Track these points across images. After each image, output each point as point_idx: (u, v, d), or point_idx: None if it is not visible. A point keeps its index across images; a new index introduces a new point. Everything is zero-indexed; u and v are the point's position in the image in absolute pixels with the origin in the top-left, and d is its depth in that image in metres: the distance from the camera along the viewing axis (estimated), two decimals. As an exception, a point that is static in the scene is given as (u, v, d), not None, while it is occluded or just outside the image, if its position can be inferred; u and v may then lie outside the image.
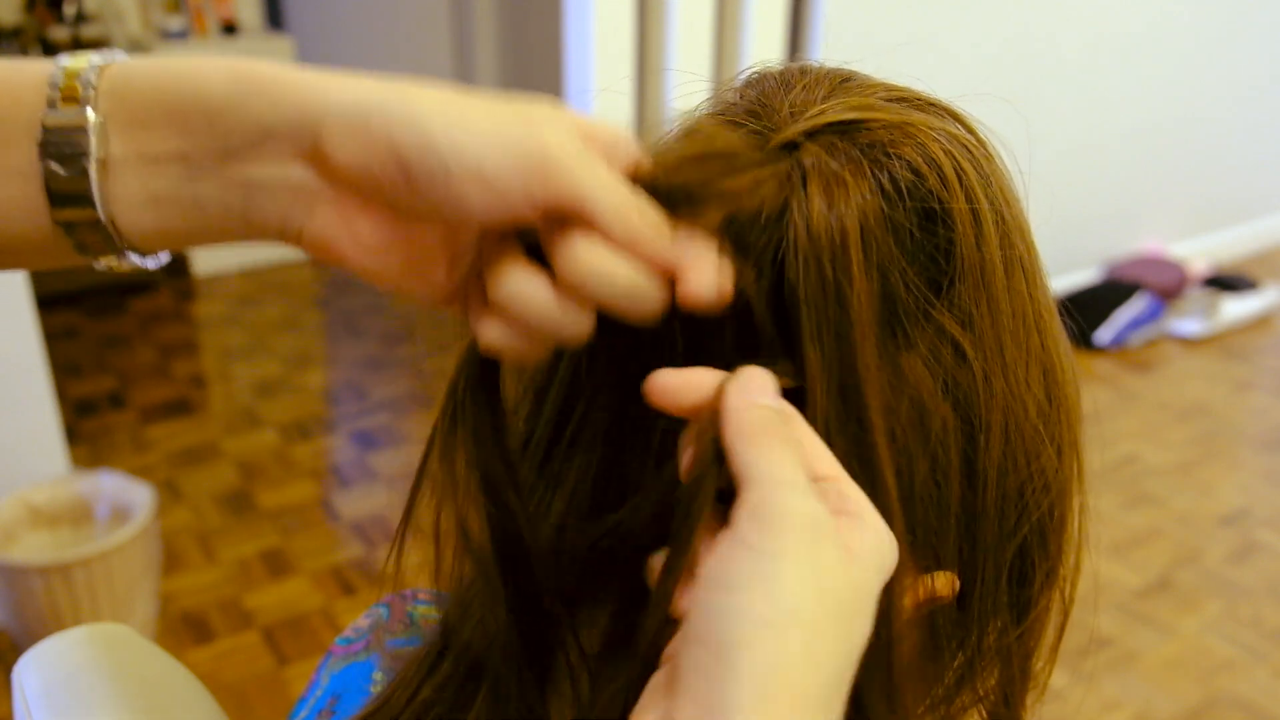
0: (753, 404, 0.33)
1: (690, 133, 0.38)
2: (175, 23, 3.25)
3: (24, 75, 0.34)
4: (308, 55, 4.18)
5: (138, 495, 1.80)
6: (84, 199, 0.34)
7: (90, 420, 2.56)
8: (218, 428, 2.57)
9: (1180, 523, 2.28)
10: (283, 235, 0.35)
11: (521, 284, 0.34)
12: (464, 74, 4.30)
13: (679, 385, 0.34)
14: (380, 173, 0.33)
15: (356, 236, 0.35)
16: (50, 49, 3.09)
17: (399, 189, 0.33)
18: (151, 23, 3.30)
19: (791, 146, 0.37)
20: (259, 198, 0.34)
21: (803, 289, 0.36)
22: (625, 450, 0.40)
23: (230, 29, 3.34)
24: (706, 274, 0.34)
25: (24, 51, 3.05)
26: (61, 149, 0.33)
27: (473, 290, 0.36)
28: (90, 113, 0.33)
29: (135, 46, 3.24)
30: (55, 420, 1.91)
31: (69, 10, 3.12)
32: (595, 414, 0.41)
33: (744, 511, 0.31)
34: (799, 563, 0.29)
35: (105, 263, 0.36)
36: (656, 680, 0.31)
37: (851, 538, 0.31)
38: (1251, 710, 1.77)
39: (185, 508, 2.22)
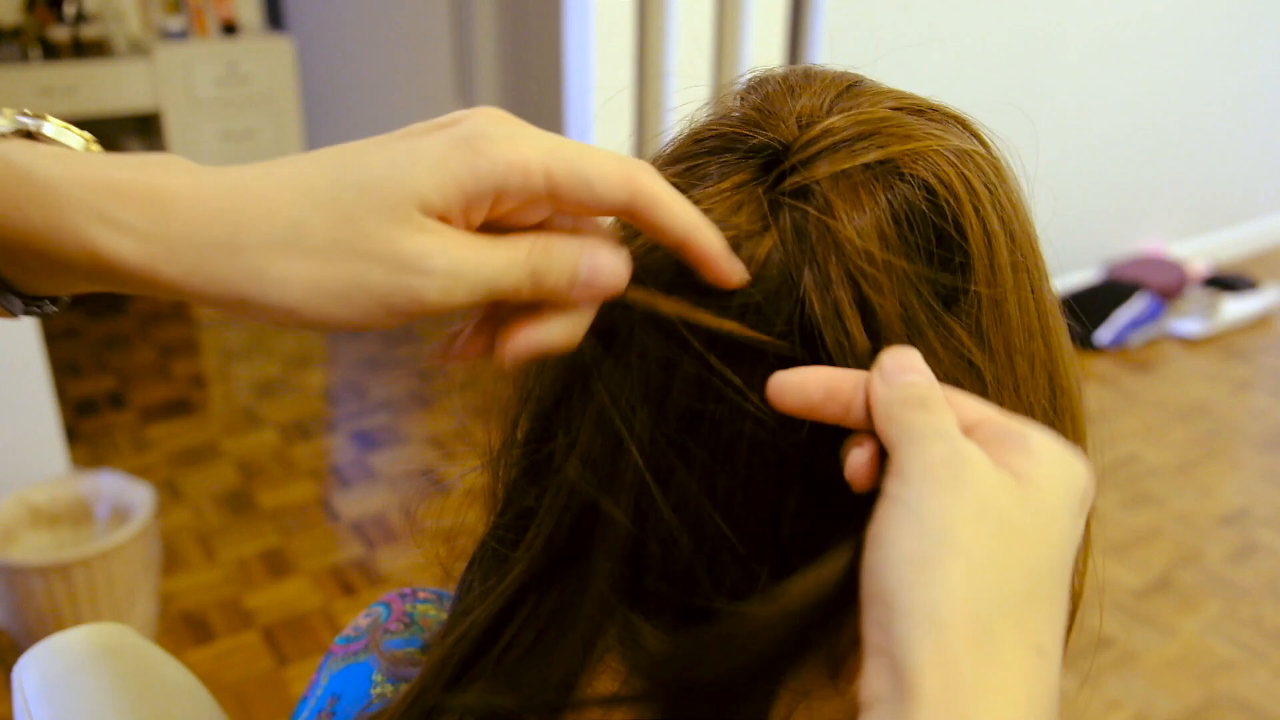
0: (897, 384, 0.34)
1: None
2: (175, 23, 3.25)
3: None
4: (308, 55, 4.18)
5: (138, 495, 1.80)
6: None
7: (90, 420, 2.56)
8: (218, 428, 2.57)
9: (1180, 523, 2.28)
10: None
11: None
12: (464, 75, 4.30)
13: (801, 380, 0.35)
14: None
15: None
16: (50, 49, 3.09)
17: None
18: (151, 23, 3.30)
19: (801, 164, 0.38)
20: None
21: (826, 314, 0.36)
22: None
23: (230, 29, 3.35)
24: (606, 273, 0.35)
25: (24, 51, 3.05)
26: None
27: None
28: None
29: (135, 46, 3.24)
30: (55, 420, 1.92)
31: (69, 10, 3.12)
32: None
33: (890, 473, 0.31)
34: (942, 494, 0.30)
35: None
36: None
37: (1018, 462, 0.31)
38: (1251, 710, 1.77)
39: (185, 508, 2.22)
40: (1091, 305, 3.10)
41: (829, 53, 2.39)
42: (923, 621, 0.28)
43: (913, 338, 0.37)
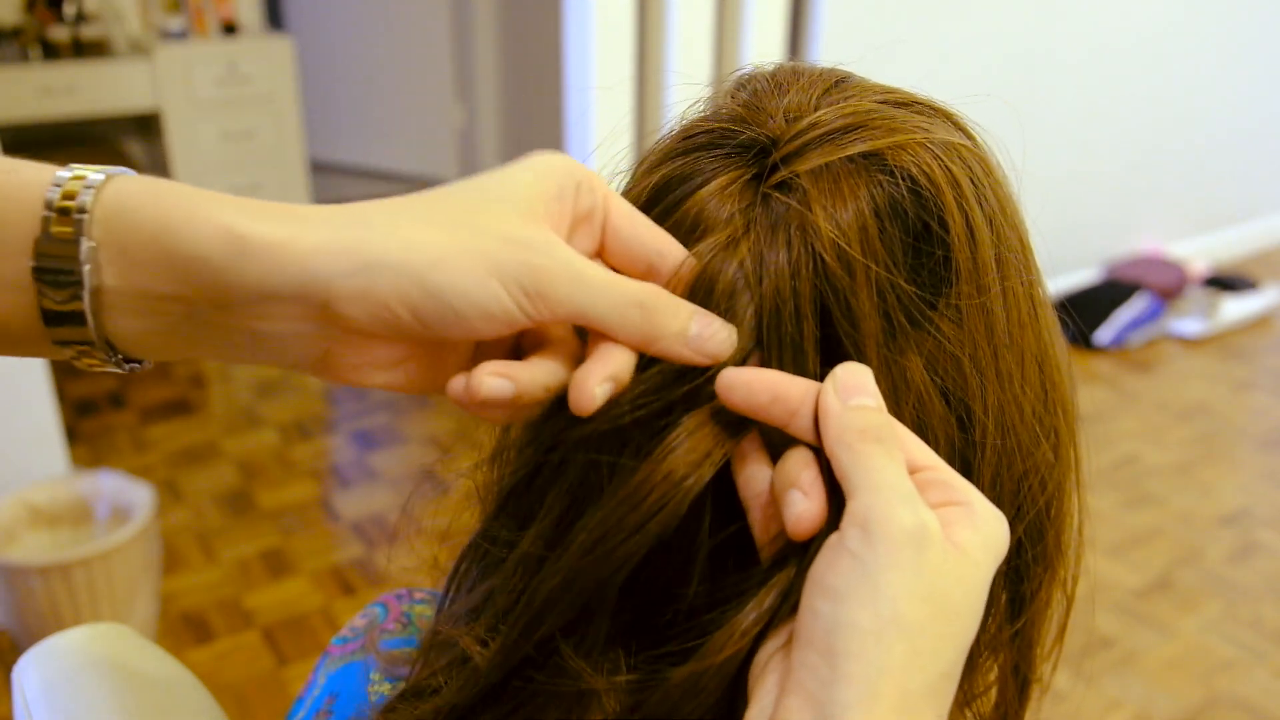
0: (852, 406, 0.33)
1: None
2: (175, 23, 3.25)
3: (20, 185, 0.34)
4: (308, 55, 4.18)
5: (138, 495, 1.80)
6: (78, 319, 0.34)
7: (90, 420, 2.56)
8: (218, 428, 2.57)
9: (1180, 523, 2.28)
10: (299, 370, 0.37)
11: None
12: (463, 74, 4.30)
13: (749, 381, 0.34)
14: (394, 321, 0.34)
15: (375, 362, 0.37)
16: (50, 49, 3.09)
17: (413, 330, 0.35)
18: (151, 23, 3.30)
19: (787, 158, 0.38)
20: (269, 343, 0.35)
21: (806, 305, 0.36)
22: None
23: (230, 29, 3.34)
24: (719, 342, 0.36)
25: (24, 51, 3.05)
26: (56, 276, 0.33)
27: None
28: (84, 244, 0.33)
29: (135, 46, 3.24)
30: (55, 420, 1.91)
31: (69, 10, 3.12)
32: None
33: (851, 520, 0.31)
34: (902, 572, 0.30)
35: (100, 368, 0.36)
36: (766, 674, 0.32)
37: (961, 533, 0.32)
38: (1251, 710, 1.77)
39: (185, 508, 2.22)
40: (1091, 305, 3.10)
41: (827, 55, 2.39)
42: (862, 693, 0.29)
43: (889, 331, 0.37)
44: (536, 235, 0.35)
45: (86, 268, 0.33)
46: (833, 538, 0.32)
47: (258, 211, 0.34)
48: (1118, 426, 2.69)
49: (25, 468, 1.87)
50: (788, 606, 0.33)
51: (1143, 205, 3.47)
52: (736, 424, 0.36)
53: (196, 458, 2.42)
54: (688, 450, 0.35)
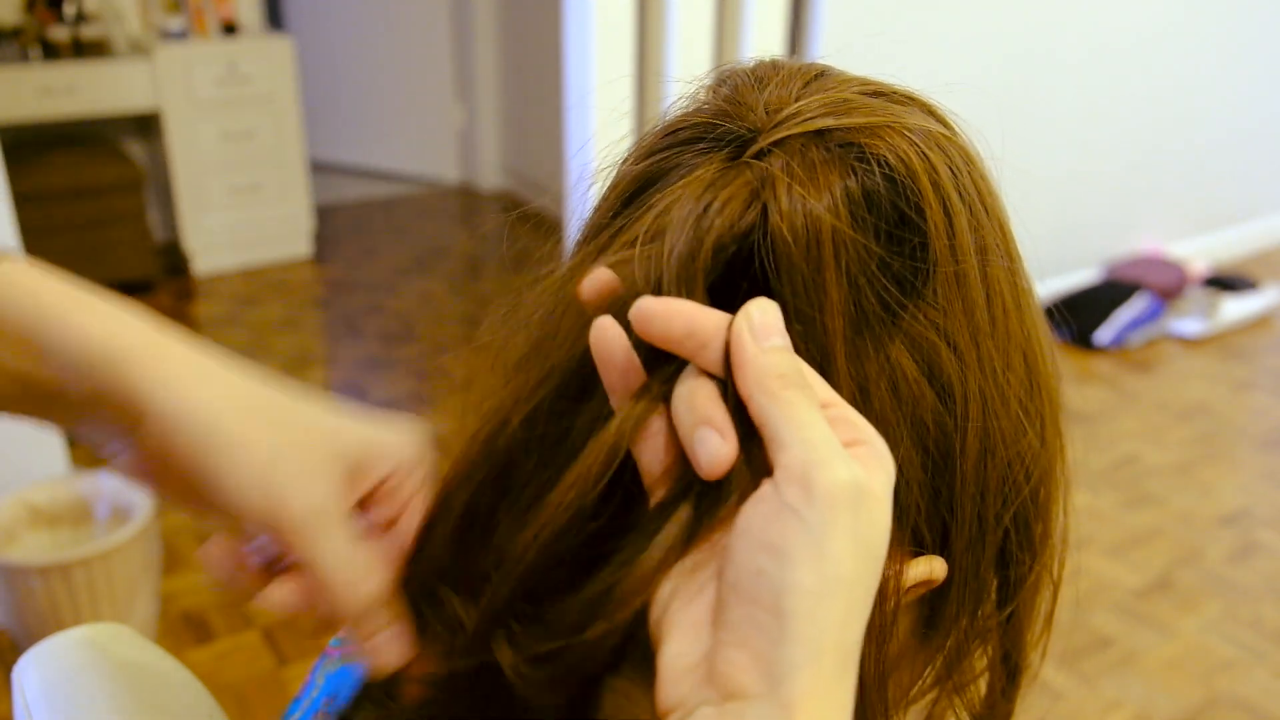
0: (767, 349, 0.33)
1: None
2: (175, 23, 3.25)
3: None
4: (308, 55, 4.18)
5: (138, 495, 1.80)
6: None
7: (90, 420, 2.56)
8: (218, 428, 2.56)
9: (1180, 523, 2.28)
10: (99, 454, 0.42)
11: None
12: (463, 74, 4.30)
13: (667, 312, 0.34)
14: (171, 467, 0.39)
15: (165, 476, 0.41)
16: (50, 49, 3.09)
17: (179, 482, 0.40)
18: (151, 23, 3.30)
19: (765, 152, 0.37)
20: (81, 430, 0.42)
21: (777, 290, 0.36)
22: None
23: (230, 29, 3.34)
24: (386, 655, 0.41)
25: (24, 51, 3.05)
26: None
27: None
28: None
29: (135, 46, 3.24)
30: (55, 420, 1.92)
31: (69, 10, 3.12)
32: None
33: (788, 475, 0.31)
34: (843, 529, 0.30)
35: None
36: (672, 613, 0.32)
37: (873, 476, 0.32)
38: (1251, 710, 1.77)
39: (185, 508, 2.22)
40: (1091, 305, 3.10)
41: (827, 54, 2.39)
42: (810, 653, 0.30)
43: (862, 318, 0.37)
44: (320, 479, 0.40)
45: None
46: (766, 489, 0.31)
47: (156, 331, 0.40)
48: (1118, 426, 2.69)
49: (25, 468, 1.87)
50: (691, 544, 0.33)
51: (1143, 205, 3.47)
52: (660, 392, 0.35)
53: (196, 458, 2.41)
54: (627, 420, 0.34)
